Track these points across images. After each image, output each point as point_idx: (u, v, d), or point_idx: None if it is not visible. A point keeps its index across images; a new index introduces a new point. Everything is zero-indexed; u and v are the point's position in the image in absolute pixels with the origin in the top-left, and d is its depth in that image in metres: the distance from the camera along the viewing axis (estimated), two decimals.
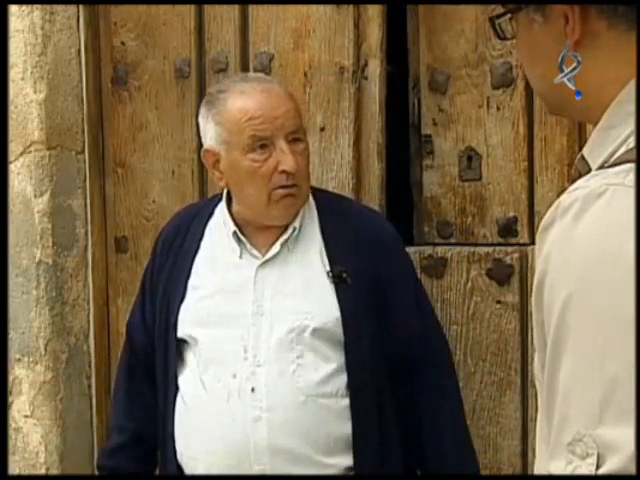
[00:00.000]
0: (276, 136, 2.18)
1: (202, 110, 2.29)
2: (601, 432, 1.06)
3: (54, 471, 3.04)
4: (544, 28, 1.23)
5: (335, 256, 2.24)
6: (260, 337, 2.20)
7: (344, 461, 2.20)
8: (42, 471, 3.05)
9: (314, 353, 2.19)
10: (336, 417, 2.19)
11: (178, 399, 2.28)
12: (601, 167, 1.17)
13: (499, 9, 1.31)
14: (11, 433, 3.05)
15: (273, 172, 2.19)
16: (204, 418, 2.22)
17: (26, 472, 3.06)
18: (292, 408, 2.15)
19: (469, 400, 2.75)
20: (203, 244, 2.32)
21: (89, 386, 3.12)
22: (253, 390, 2.17)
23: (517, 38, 1.30)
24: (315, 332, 2.19)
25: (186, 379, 2.27)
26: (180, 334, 2.28)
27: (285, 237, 2.25)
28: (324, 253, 2.25)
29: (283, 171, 2.18)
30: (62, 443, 3.04)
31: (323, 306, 2.21)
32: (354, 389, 2.20)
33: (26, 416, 3.05)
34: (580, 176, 1.20)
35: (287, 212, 2.24)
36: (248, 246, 2.26)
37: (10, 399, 3.04)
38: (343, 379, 2.20)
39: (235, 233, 2.27)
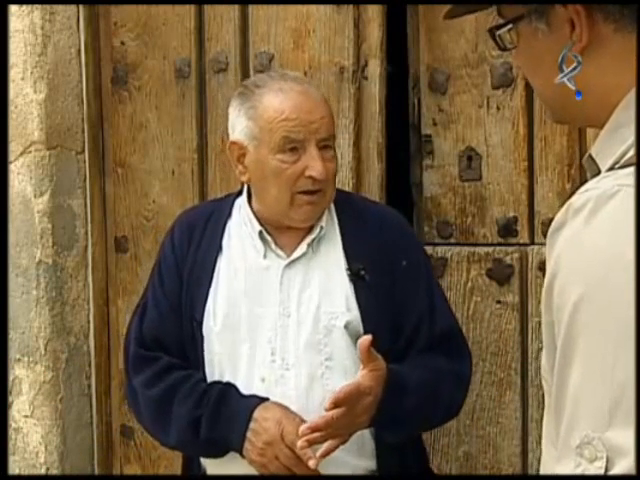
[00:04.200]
0: (308, 140, 2.14)
1: (234, 102, 2.23)
2: (610, 435, 1.05)
3: (54, 471, 3.04)
4: (549, 36, 1.22)
5: (353, 254, 2.21)
6: (287, 339, 2.17)
7: (371, 463, 2.18)
8: (42, 471, 3.05)
9: (343, 354, 2.16)
10: None
11: None
12: (611, 168, 1.16)
13: (499, 19, 1.29)
14: (11, 433, 3.05)
15: (300, 176, 2.14)
16: None
17: (26, 472, 3.05)
18: (321, 411, 2.07)
19: (469, 400, 2.74)
20: (224, 243, 2.27)
21: (89, 386, 3.12)
22: (282, 394, 2.14)
23: (518, 47, 1.28)
24: (343, 331, 2.16)
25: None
26: (205, 335, 2.22)
27: (312, 237, 2.21)
28: (343, 251, 2.22)
29: (310, 176, 2.14)
30: (62, 443, 3.04)
31: (346, 305, 2.18)
32: None
33: (26, 416, 3.05)
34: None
35: (308, 217, 2.20)
36: (273, 246, 2.22)
37: (10, 399, 3.04)
38: None
39: (261, 233, 2.22)
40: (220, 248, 2.26)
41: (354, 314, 2.17)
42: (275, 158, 2.15)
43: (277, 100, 2.15)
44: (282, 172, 2.15)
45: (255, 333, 2.19)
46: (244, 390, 2.17)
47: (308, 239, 2.21)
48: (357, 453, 2.16)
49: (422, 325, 2.22)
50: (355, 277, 2.19)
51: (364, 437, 2.17)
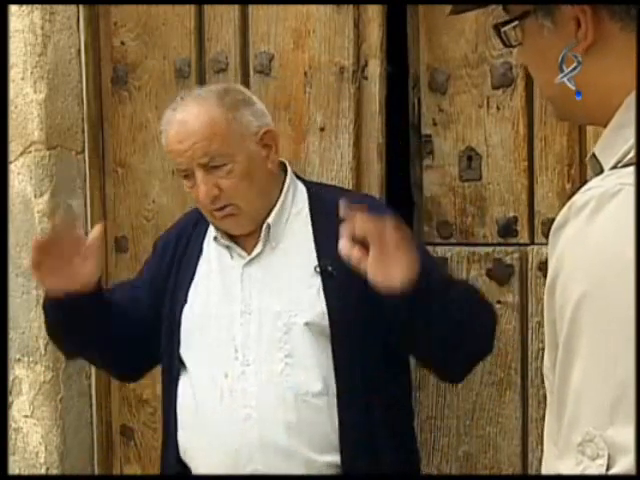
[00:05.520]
0: (193, 166, 2.19)
1: None
2: (612, 433, 1.06)
3: (54, 471, 3.04)
4: (554, 33, 1.22)
5: (323, 250, 2.22)
6: (249, 336, 2.21)
7: (335, 458, 2.17)
8: (42, 471, 3.05)
9: (304, 351, 2.17)
10: (326, 415, 2.17)
11: (179, 400, 2.29)
12: (614, 167, 1.17)
13: (504, 15, 1.30)
14: (11, 433, 3.05)
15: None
16: (201, 419, 2.23)
17: (26, 472, 3.06)
18: (281, 407, 2.15)
19: (469, 400, 2.75)
20: (205, 246, 2.34)
21: (89, 386, 3.12)
22: (243, 390, 2.19)
23: (524, 44, 1.28)
24: (304, 329, 2.18)
25: (184, 380, 2.29)
26: (182, 335, 2.29)
27: (262, 236, 2.25)
28: (313, 247, 2.24)
29: None
30: (62, 443, 3.05)
31: (309, 302, 2.19)
32: (342, 385, 2.17)
33: (26, 416, 3.05)
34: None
35: (232, 228, 2.26)
36: (235, 247, 2.28)
37: (10, 399, 3.04)
38: (333, 377, 2.18)
39: (216, 238, 2.29)
40: (202, 251, 2.34)
41: (317, 311, 2.18)
42: (183, 182, 2.26)
43: (165, 132, 2.24)
44: (191, 194, 2.26)
45: (221, 331, 2.24)
46: (210, 385, 2.22)
47: (261, 238, 2.25)
48: (318, 447, 2.16)
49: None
50: (324, 274, 2.20)
51: (326, 429, 2.17)
